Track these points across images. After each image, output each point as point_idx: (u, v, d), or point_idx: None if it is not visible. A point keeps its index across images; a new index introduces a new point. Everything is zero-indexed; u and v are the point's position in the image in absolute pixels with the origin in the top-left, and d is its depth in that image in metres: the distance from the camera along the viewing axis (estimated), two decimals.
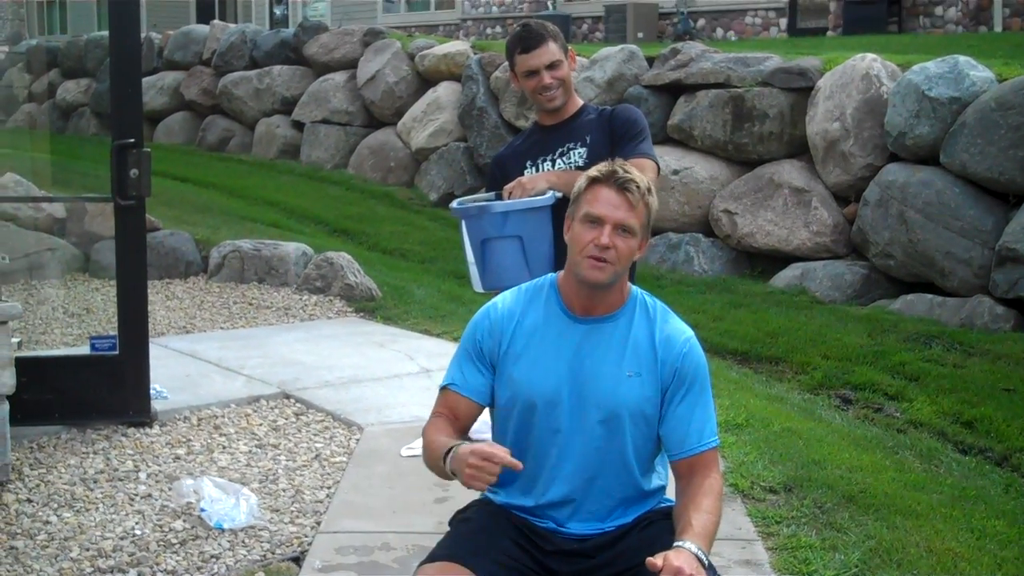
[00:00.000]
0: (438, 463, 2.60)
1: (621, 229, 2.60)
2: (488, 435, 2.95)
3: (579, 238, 2.63)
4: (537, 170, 3.82)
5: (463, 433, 2.77)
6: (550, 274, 2.83)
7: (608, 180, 2.62)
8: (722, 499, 2.65)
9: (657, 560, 2.34)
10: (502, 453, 2.45)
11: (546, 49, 3.75)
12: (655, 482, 2.79)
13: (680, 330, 2.72)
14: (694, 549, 2.41)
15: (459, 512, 2.84)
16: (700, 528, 2.49)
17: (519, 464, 2.47)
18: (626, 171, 2.63)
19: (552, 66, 3.76)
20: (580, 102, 3.90)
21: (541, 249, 3.67)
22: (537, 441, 2.70)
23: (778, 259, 9.33)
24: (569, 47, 3.86)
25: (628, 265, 2.66)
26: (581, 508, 2.70)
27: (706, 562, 2.42)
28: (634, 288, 2.78)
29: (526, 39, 3.77)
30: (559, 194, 3.63)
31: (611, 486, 2.70)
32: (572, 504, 2.70)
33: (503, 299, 2.80)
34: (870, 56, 9.13)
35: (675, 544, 2.43)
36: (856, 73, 8.98)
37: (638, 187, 2.61)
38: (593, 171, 2.67)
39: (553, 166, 3.81)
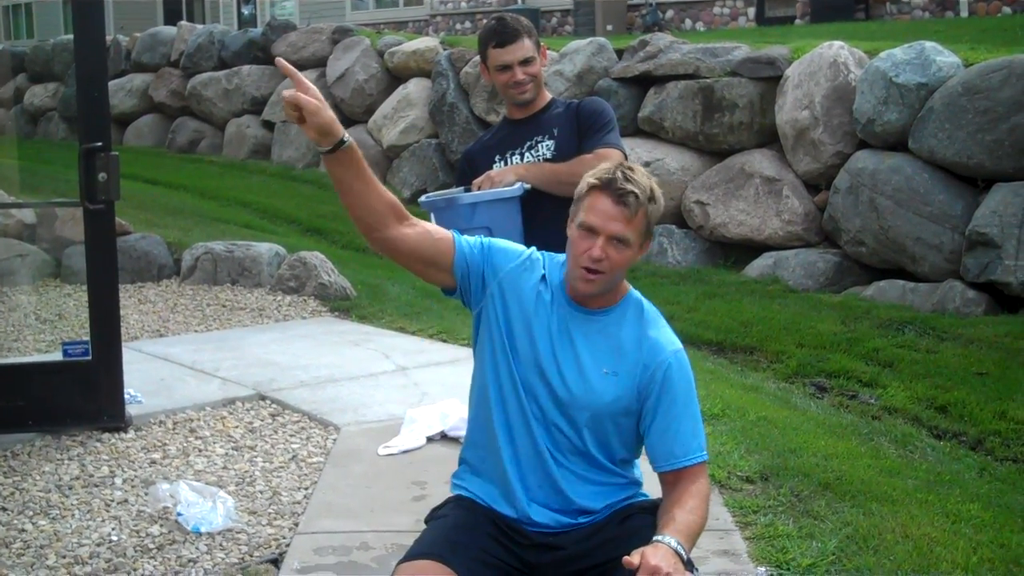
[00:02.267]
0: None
1: (616, 241, 2.58)
2: (463, 431, 2.94)
3: (575, 245, 2.62)
4: (506, 164, 3.82)
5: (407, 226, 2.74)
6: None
7: (607, 188, 2.58)
8: (708, 503, 2.62)
9: (634, 558, 2.32)
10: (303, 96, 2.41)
11: (520, 45, 3.74)
12: (626, 476, 2.76)
13: (669, 340, 2.70)
14: (673, 544, 2.38)
15: (435, 509, 2.82)
16: (683, 524, 2.47)
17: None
18: (627, 179, 2.58)
19: (525, 62, 3.75)
20: (549, 96, 3.90)
21: (511, 240, 3.67)
22: (501, 427, 2.68)
23: (751, 249, 9.37)
24: (541, 43, 3.86)
25: (621, 273, 2.65)
26: (545, 498, 2.68)
27: (685, 557, 2.39)
28: (632, 289, 2.77)
29: (501, 33, 3.75)
30: (528, 185, 3.63)
31: (573, 479, 2.68)
32: (539, 493, 2.67)
33: (541, 256, 2.78)
34: (837, 44, 9.17)
35: (654, 539, 2.40)
36: (824, 61, 9.01)
37: (637, 198, 2.57)
38: (594, 176, 2.62)
39: (522, 159, 3.81)
